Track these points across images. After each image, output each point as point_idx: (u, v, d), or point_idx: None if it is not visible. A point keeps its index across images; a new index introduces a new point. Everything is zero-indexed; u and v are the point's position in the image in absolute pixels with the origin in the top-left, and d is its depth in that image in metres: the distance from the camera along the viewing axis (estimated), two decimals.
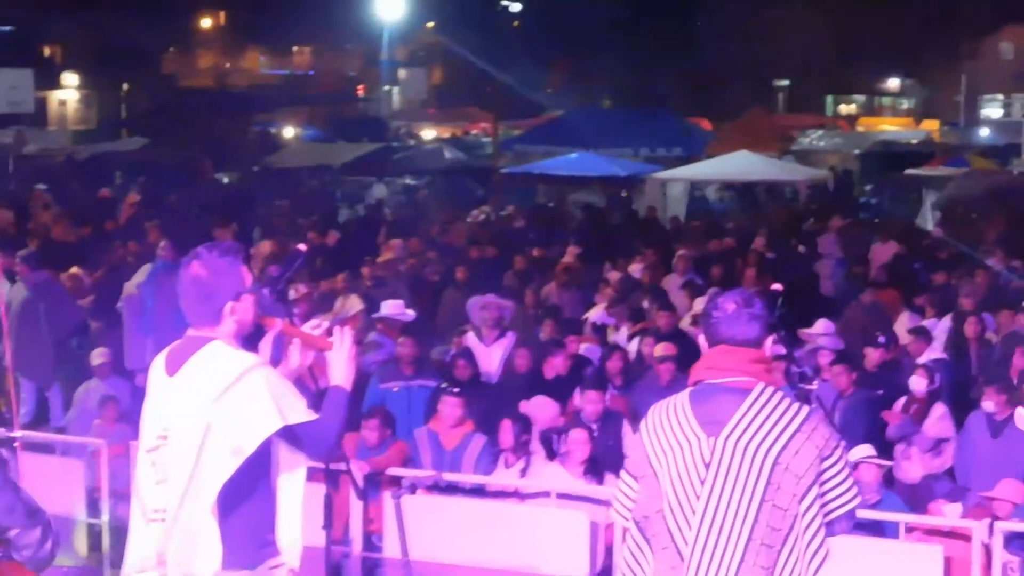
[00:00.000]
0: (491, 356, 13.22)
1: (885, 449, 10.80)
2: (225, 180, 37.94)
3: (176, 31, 64.58)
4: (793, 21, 55.50)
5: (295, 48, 75.57)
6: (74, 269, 16.85)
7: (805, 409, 4.73)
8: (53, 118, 59.71)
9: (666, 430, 4.76)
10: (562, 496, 9.29)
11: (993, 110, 65.28)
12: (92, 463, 10.22)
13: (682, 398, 4.79)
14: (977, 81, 65.21)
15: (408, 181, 39.79)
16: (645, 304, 15.71)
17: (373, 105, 70.70)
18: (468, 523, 8.99)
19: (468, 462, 10.17)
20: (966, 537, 8.32)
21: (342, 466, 6.41)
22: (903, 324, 14.73)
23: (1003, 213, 24.68)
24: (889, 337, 13.25)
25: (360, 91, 73.72)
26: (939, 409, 11.59)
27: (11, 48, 48.57)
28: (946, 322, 14.45)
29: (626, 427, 10.57)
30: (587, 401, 10.82)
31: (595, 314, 15.76)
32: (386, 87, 68.72)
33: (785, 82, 74.09)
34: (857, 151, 46.96)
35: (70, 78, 61.51)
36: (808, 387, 11.52)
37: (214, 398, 4.83)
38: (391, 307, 13.52)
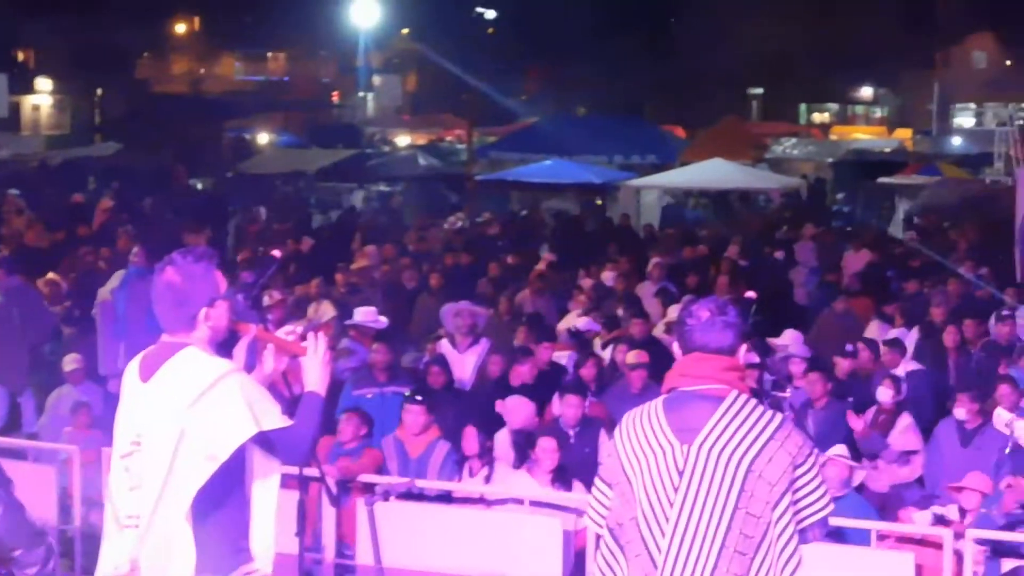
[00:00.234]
0: (465, 363, 13.23)
1: (858, 458, 10.83)
2: (199, 186, 37.82)
3: (151, 36, 64.28)
4: (767, 30, 55.64)
5: (270, 54, 75.37)
6: (51, 275, 16.80)
7: (779, 417, 4.74)
8: (26, 123, 59.50)
9: (640, 437, 4.77)
10: (533, 504, 9.30)
11: (965, 119, 65.51)
12: (64, 469, 10.20)
13: (656, 405, 4.79)
14: (949, 90, 65.48)
15: (382, 188, 39.75)
16: (619, 312, 15.72)
17: (348, 111, 70.57)
18: (441, 530, 8.99)
19: (433, 469, 10.18)
20: (937, 545, 8.36)
21: (315, 472, 6.42)
22: (873, 333, 14.77)
23: (975, 222, 24.80)
24: (870, 345, 13.31)
25: (335, 97, 73.60)
26: (905, 420, 11.62)
27: None
28: (915, 333, 14.49)
29: (603, 435, 10.57)
30: (567, 405, 10.80)
31: (583, 322, 15.63)
32: (361, 94, 68.62)
33: (759, 90, 74.26)
34: (830, 159, 47.15)
35: (44, 83, 61.29)
36: (781, 395, 11.58)
37: (188, 404, 4.82)
38: (364, 314, 13.51)
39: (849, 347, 13.20)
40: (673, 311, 14.99)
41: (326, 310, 15.24)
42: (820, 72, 65.56)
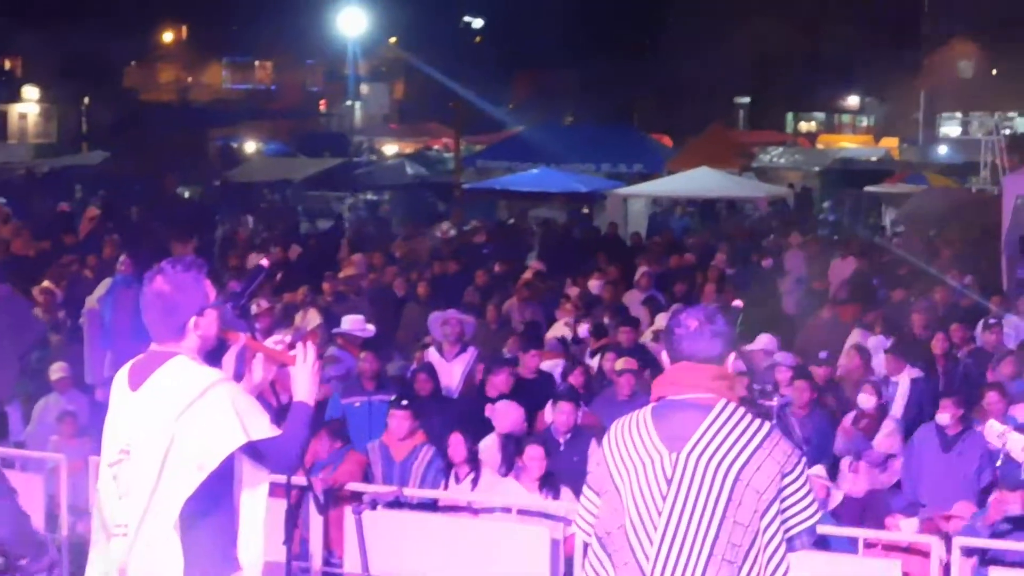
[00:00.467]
0: (452, 371, 13.23)
1: (835, 474, 10.83)
2: (186, 194, 37.82)
3: (138, 45, 64.23)
4: (754, 39, 55.76)
5: (257, 63, 75.31)
6: (47, 283, 16.78)
7: (767, 425, 4.75)
8: (13, 132, 59.47)
9: (628, 446, 4.77)
10: (520, 512, 9.30)
11: (951, 128, 65.70)
12: (51, 478, 10.18)
13: (644, 414, 4.80)
14: (936, 99, 65.67)
15: (370, 196, 39.77)
16: (606, 320, 15.74)
17: (335, 120, 70.60)
18: (428, 538, 8.99)
19: (416, 473, 10.20)
20: (924, 552, 8.37)
21: (303, 481, 6.42)
22: (854, 341, 14.76)
23: (960, 231, 24.86)
24: (861, 352, 13.34)
25: (322, 106, 73.62)
26: (889, 424, 11.65)
27: None
28: (886, 341, 14.47)
29: (593, 445, 10.56)
30: (559, 412, 10.81)
31: (581, 329, 15.63)
32: (348, 102, 68.65)
33: (746, 99, 74.41)
34: (817, 168, 47.31)
35: (31, 91, 61.25)
36: (769, 403, 11.59)
37: (177, 413, 4.82)
38: (351, 322, 13.52)
39: (823, 355, 13.25)
40: (661, 319, 15.00)
41: (312, 318, 15.25)
42: (807, 81, 65.75)
